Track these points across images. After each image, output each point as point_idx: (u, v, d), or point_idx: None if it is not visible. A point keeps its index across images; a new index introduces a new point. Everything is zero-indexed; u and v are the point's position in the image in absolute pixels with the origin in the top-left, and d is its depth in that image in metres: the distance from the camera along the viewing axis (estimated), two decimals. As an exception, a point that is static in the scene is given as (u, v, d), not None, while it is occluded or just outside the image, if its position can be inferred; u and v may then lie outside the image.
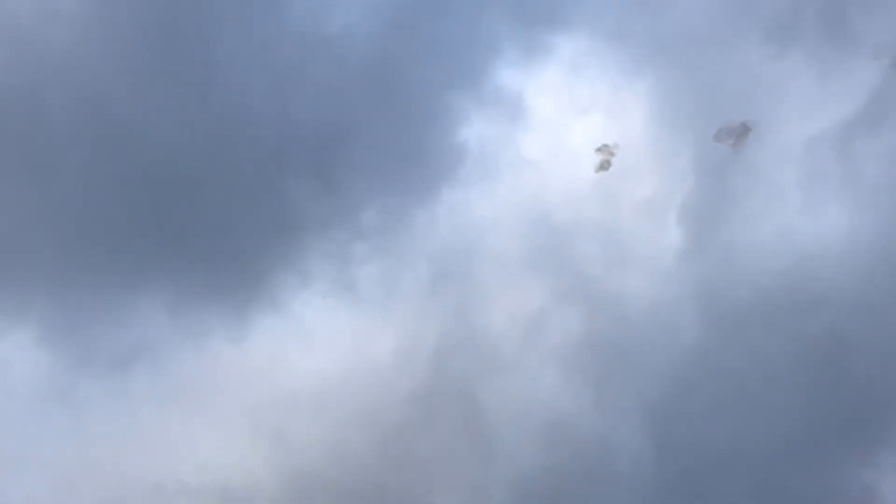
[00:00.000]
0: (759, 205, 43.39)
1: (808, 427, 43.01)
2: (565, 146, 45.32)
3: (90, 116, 45.55)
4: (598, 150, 44.62)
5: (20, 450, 43.48)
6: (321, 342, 45.97)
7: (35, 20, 45.63)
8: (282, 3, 47.14)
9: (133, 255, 45.25)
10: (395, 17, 47.99)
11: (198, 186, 45.93)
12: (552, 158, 45.44)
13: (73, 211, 45.46)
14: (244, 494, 45.60)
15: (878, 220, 41.91)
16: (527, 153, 46.52)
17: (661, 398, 44.50)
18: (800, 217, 43.03)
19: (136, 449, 44.47)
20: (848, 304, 42.29)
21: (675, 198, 43.83)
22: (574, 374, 45.76)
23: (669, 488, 43.84)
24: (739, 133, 41.95)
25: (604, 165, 44.41)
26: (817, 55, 41.24)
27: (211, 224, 45.99)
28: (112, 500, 43.78)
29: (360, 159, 46.49)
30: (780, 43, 41.82)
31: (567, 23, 47.67)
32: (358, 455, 45.79)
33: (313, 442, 46.15)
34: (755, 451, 43.19)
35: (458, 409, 46.35)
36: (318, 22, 47.10)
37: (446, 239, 46.30)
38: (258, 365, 45.38)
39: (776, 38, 42.13)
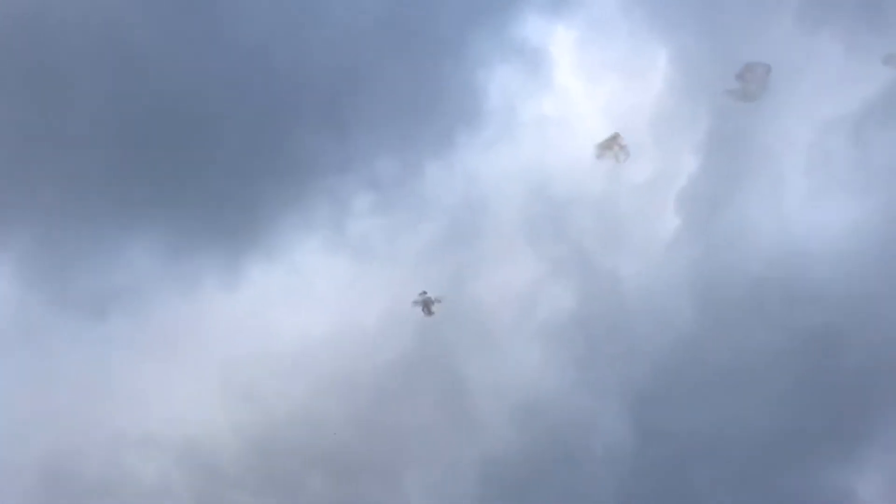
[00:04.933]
0: (762, 191, 42.62)
1: (793, 422, 42.28)
2: (582, 110, 44.14)
3: (97, 47, 43.65)
4: (606, 143, 43.67)
5: (-24, 387, 41.91)
6: (312, 298, 44.37)
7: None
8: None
9: (127, 192, 43.18)
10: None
11: (203, 125, 43.86)
12: (570, 120, 44.21)
13: (68, 141, 43.38)
14: (209, 452, 44.19)
15: (883, 215, 40.90)
16: (547, 111, 44.88)
17: (647, 383, 43.59)
18: (803, 207, 42.21)
19: (102, 395, 43.01)
20: (844, 300, 41.36)
21: (679, 177, 43.00)
22: (559, 351, 44.78)
23: (648, 475, 43.01)
24: (760, 76, 40.88)
25: (607, 151, 43.45)
26: (846, 38, 40.15)
27: (213, 165, 44.07)
28: (70, 447, 42.40)
29: (375, 106, 44.48)
30: (812, 20, 40.74)
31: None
32: (332, 421, 44.64)
33: (287, 404, 44.89)
34: (737, 443, 42.44)
35: (439, 381, 45.26)
36: (334, -40, 44.87)
37: (455, 198, 44.69)
38: (243, 318, 43.81)
39: (809, 15, 41.09)
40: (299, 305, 44.34)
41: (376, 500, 44.58)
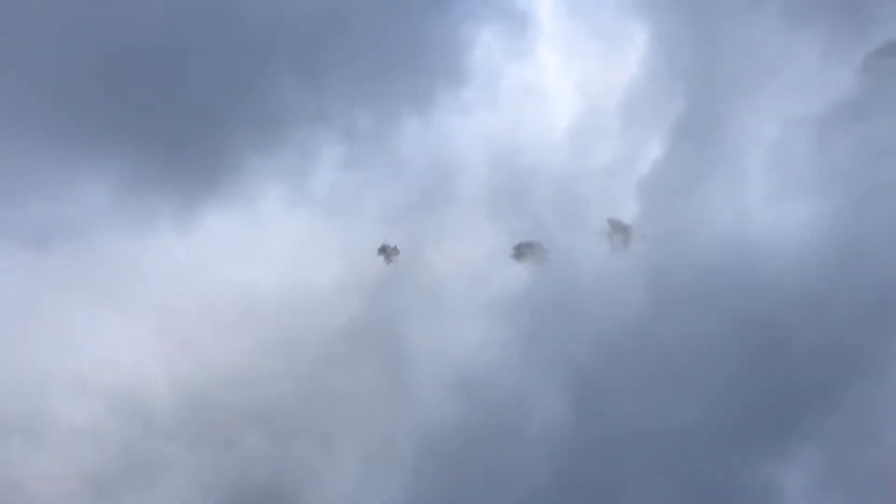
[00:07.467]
0: (723, 184, 43.13)
1: (729, 415, 42.80)
2: (558, 83, 43.77)
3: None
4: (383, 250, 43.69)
5: None
6: (268, 251, 43.16)
7: None
8: None
9: (84, 120, 41.19)
10: None
11: (172, 60, 42.23)
12: (545, 92, 43.77)
13: (29, 64, 41.19)
14: (142, 401, 42.70)
15: (837, 216, 41.82)
16: (528, 79, 44.13)
17: (590, 365, 43.72)
18: (761, 202, 42.80)
19: (35, 332, 41.06)
20: (792, 296, 42.12)
21: (643, 162, 43.21)
22: (506, 327, 44.64)
23: (582, 456, 43.16)
24: (530, 251, 42.60)
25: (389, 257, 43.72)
26: (825, 40, 40.76)
27: (179, 102, 42.32)
28: (-6, 385, 40.35)
29: (354, 56, 43.21)
30: (796, 18, 41.20)
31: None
32: (271, 382, 43.64)
33: (227, 359, 43.70)
34: (672, 431, 42.82)
35: (384, 348, 44.66)
36: None
37: (428, 160, 43.97)
38: (192, 265, 42.39)
39: (793, 13, 41.52)
40: (253, 258, 43.14)
41: (310, 462, 43.80)
